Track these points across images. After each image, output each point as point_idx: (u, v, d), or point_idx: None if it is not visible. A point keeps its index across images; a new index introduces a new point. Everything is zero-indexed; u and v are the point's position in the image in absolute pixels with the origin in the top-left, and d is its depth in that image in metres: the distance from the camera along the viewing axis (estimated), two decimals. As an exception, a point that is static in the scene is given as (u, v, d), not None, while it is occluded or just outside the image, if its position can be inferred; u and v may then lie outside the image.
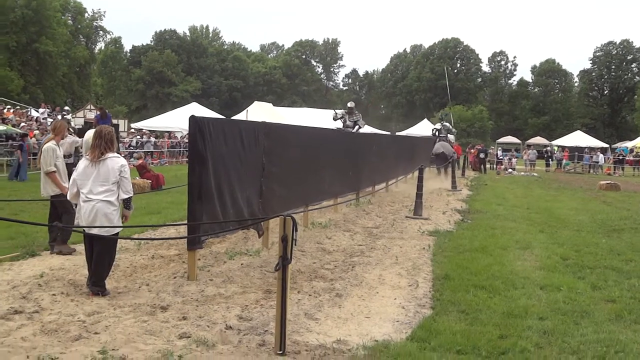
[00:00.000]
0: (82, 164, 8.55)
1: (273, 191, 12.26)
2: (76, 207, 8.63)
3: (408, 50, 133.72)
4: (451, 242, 13.78)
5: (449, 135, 35.41)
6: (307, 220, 15.11)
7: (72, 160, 21.55)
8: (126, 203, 8.56)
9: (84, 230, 8.45)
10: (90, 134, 22.29)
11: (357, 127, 26.26)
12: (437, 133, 35.53)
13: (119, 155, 8.71)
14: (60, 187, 10.76)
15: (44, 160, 10.75)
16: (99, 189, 8.26)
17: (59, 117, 34.18)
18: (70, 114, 33.52)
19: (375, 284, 9.72)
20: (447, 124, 37.87)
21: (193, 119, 9.50)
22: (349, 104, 27.68)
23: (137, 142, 41.93)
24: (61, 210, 10.93)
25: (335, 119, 27.37)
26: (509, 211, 20.12)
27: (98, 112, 27.35)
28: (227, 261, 10.81)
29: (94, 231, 8.25)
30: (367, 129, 55.48)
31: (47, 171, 10.67)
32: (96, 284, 8.32)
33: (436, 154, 32.34)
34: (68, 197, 8.75)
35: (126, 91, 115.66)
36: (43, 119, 38.72)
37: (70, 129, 21.49)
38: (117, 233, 8.72)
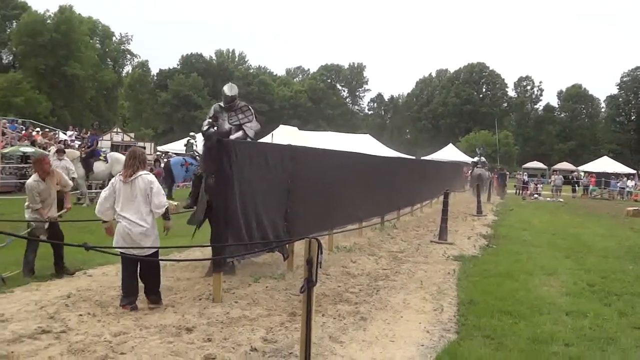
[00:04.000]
0: (116, 182, 8.80)
1: (298, 214, 12.27)
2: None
3: (433, 74, 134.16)
4: (476, 267, 13.73)
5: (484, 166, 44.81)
6: (331, 244, 15.09)
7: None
8: (165, 213, 8.94)
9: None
10: (115, 155, 22.21)
11: (240, 133, 12.58)
12: (475, 163, 44.53)
13: (148, 172, 9.00)
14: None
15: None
16: (130, 209, 8.57)
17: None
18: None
19: (400, 308, 9.69)
20: (483, 158, 47.40)
21: (219, 142, 9.57)
22: (226, 90, 12.88)
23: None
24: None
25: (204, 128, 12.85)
26: (535, 237, 20.00)
27: (95, 136, 27.65)
28: (252, 284, 10.82)
29: (132, 252, 8.57)
30: (391, 153, 55.53)
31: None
32: (155, 293, 8.91)
33: (475, 176, 40.13)
34: (96, 212, 8.93)
35: (153, 114, 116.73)
36: (71, 141, 39.05)
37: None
38: (156, 250, 8.94)
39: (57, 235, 10.86)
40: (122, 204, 8.62)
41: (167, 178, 28.39)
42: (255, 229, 10.47)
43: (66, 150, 22.50)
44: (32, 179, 10.87)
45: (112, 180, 9.04)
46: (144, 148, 44.12)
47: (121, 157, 24.57)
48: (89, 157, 24.55)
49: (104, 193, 8.95)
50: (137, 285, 8.87)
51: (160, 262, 11.49)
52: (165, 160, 35.80)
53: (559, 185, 53.22)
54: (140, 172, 8.71)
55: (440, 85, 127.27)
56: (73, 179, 18.91)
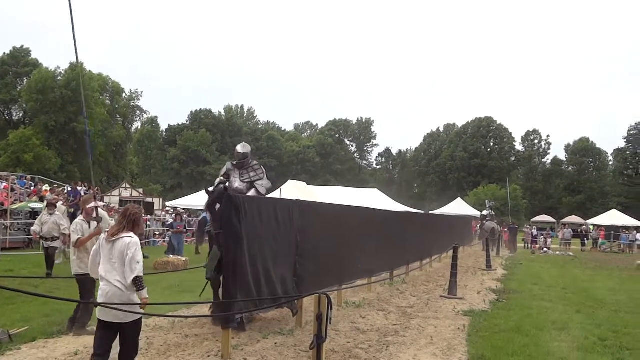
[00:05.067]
0: (101, 239, 8.15)
1: (307, 269, 12.23)
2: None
3: (441, 129, 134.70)
4: (486, 322, 13.64)
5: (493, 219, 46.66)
6: (340, 300, 15.04)
7: (55, 244, 20.28)
8: (136, 283, 7.64)
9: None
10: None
11: (253, 191, 13.09)
12: (486, 216, 47.03)
13: (132, 235, 7.99)
14: None
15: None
16: (112, 271, 7.76)
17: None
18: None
19: (411, 365, 9.61)
20: (492, 212, 48.66)
21: (228, 197, 9.59)
22: (239, 148, 13.67)
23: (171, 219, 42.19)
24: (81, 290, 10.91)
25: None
26: (545, 291, 19.89)
27: (76, 191, 27.46)
28: (261, 340, 10.76)
29: (110, 317, 7.68)
30: (400, 208, 55.54)
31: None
32: None
33: (488, 230, 41.62)
34: (89, 270, 8.39)
35: (161, 170, 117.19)
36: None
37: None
38: (139, 318, 7.92)
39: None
40: (102, 262, 7.86)
41: (200, 233, 28.45)
42: (264, 284, 10.43)
43: (57, 205, 22.30)
44: (79, 218, 11.33)
45: (100, 236, 8.36)
46: (153, 204, 44.31)
47: (102, 212, 24.50)
48: (76, 211, 24.23)
49: (93, 251, 8.29)
50: (109, 350, 7.95)
51: (168, 318, 11.48)
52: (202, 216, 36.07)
53: (568, 239, 53.08)
54: (124, 234, 7.87)
55: (448, 139, 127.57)
56: (64, 235, 18.28)
